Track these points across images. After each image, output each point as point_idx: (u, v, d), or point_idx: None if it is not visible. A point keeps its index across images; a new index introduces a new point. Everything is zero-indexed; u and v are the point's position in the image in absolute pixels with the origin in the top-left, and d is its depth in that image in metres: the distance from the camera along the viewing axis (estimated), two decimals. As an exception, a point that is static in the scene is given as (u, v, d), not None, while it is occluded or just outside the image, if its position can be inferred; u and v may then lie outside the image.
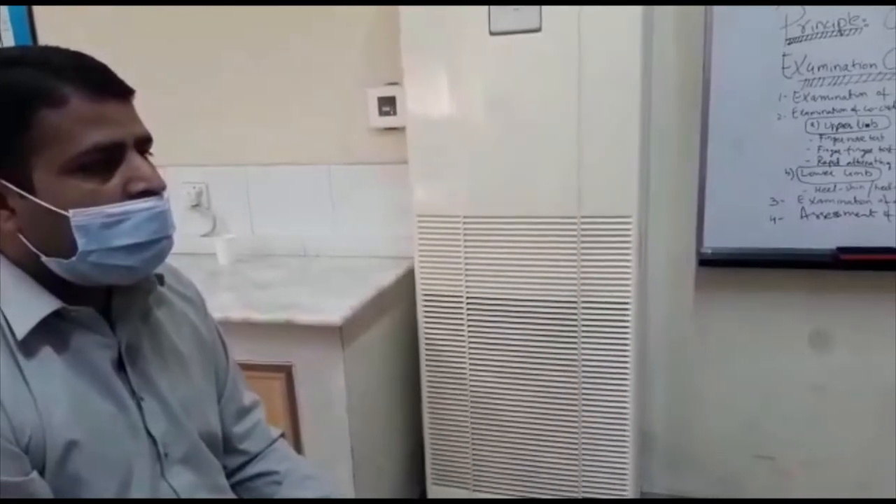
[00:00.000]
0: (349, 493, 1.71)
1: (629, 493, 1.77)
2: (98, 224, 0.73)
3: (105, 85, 0.75)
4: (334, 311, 1.63)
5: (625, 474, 1.76)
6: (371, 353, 1.84)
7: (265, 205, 2.27)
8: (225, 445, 1.03)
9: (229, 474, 1.07)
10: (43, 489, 0.71)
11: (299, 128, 2.16)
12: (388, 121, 2.04)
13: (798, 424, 2.02)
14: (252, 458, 1.08)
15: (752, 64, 1.76)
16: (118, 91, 0.76)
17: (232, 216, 2.31)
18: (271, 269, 2.10)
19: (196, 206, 2.31)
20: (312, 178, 2.20)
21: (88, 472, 0.75)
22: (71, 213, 0.72)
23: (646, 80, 1.69)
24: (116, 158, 0.75)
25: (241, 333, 1.67)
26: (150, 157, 0.80)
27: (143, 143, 0.78)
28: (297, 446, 1.73)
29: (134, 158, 0.76)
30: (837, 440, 2.01)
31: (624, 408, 1.73)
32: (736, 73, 1.78)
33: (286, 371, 1.70)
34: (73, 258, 0.73)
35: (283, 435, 1.16)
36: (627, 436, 1.74)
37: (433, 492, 1.93)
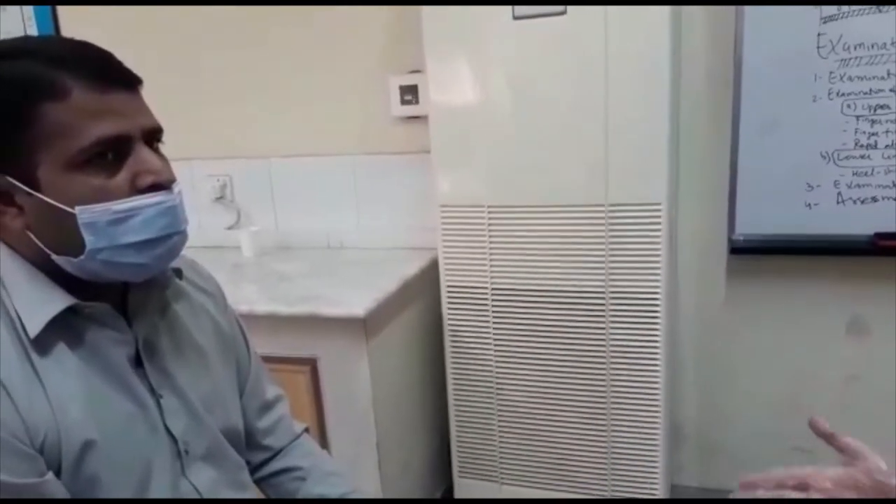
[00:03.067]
0: (374, 488, 1.70)
1: (660, 487, 1.74)
2: (106, 221, 0.71)
3: (109, 74, 0.72)
4: (358, 303, 1.61)
5: (655, 467, 1.73)
6: (396, 345, 1.82)
7: (289, 197, 2.26)
8: (248, 441, 1.02)
9: (253, 470, 1.06)
10: (59, 490, 0.70)
11: (321, 118, 2.15)
12: (411, 109, 2.01)
13: (834, 415, 1.96)
14: (276, 454, 1.07)
15: (786, 43, 1.70)
16: (123, 80, 0.73)
17: (256, 208, 2.30)
18: (295, 261, 2.09)
19: (220, 198, 2.31)
20: (335, 170, 2.18)
21: (105, 472, 0.74)
22: (77, 210, 0.70)
23: (675, 62, 1.64)
24: (123, 152, 0.72)
25: (265, 326, 1.67)
26: (161, 150, 0.78)
27: (152, 135, 0.76)
28: (323, 440, 1.72)
29: (142, 151, 0.73)
30: (875, 430, 1.94)
31: (654, 399, 1.70)
32: (769, 54, 1.72)
33: (311, 364, 1.69)
34: (83, 256, 0.71)
35: (307, 430, 1.14)
36: (658, 428, 1.71)
37: (459, 485, 1.92)
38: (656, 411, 1.70)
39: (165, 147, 0.79)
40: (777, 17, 1.69)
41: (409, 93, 2.00)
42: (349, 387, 1.68)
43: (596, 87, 1.57)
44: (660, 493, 1.74)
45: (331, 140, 2.15)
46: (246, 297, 1.70)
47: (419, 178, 1.96)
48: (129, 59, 0.75)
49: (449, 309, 1.82)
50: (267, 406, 1.07)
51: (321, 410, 1.72)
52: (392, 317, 1.78)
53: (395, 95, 2.02)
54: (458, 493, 1.93)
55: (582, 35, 1.56)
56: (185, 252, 0.99)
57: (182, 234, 0.77)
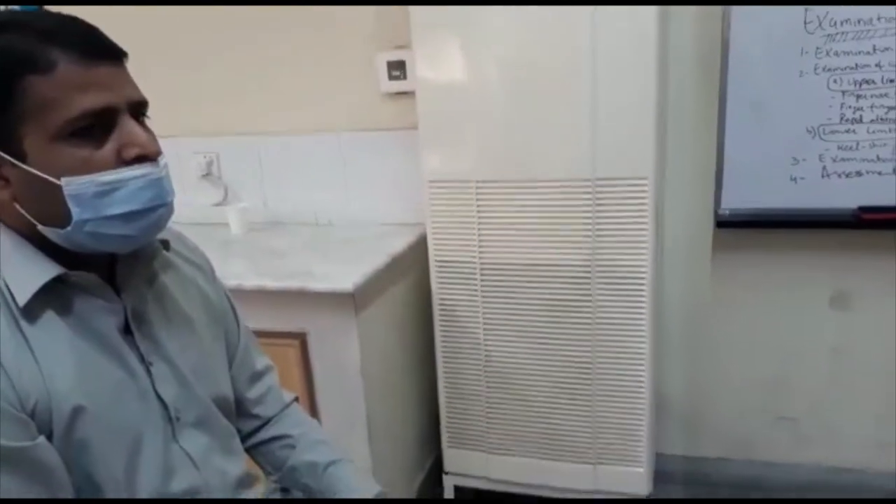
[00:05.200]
0: (364, 459, 1.73)
1: (644, 456, 1.77)
2: (91, 193, 0.71)
3: (94, 48, 0.73)
4: (347, 278, 1.62)
5: (640, 437, 1.76)
6: (385, 320, 1.84)
7: (276, 174, 2.26)
8: (239, 410, 1.04)
9: (244, 438, 1.08)
10: (51, 454, 0.72)
11: (309, 95, 2.13)
12: (399, 85, 2.01)
13: (818, 387, 2.01)
14: (266, 423, 1.09)
15: (774, 19, 1.70)
16: (109, 54, 0.74)
17: (243, 185, 2.30)
18: (284, 237, 2.09)
19: (207, 175, 2.30)
20: (323, 146, 2.17)
21: (96, 437, 0.75)
22: (63, 181, 0.71)
23: (663, 37, 1.65)
24: (109, 124, 0.73)
25: (254, 301, 1.68)
26: (147, 123, 0.78)
27: (138, 108, 0.77)
28: (313, 413, 1.74)
29: (127, 123, 0.74)
30: (858, 401, 1.99)
31: (639, 371, 1.72)
32: (756, 29, 1.72)
33: (300, 338, 1.71)
34: (69, 228, 0.72)
35: (296, 399, 1.16)
36: (643, 399, 1.74)
37: (448, 455, 1.95)
38: (641, 383, 1.73)
39: (151, 125, 0.79)
40: (764, -8, 1.69)
41: (397, 68, 1.99)
42: (339, 360, 1.70)
43: (584, 63, 1.57)
44: (644, 463, 1.78)
45: (319, 116, 2.15)
46: (235, 273, 1.71)
47: (408, 154, 1.96)
48: (114, 36, 0.75)
49: (438, 283, 1.83)
50: (256, 376, 1.08)
51: (311, 384, 1.74)
52: (381, 291, 1.79)
53: (383, 71, 2.01)
54: (447, 463, 1.96)
55: (570, 11, 1.55)
56: (172, 227, 1.00)
57: (168, 207, 0.78)
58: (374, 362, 1.75)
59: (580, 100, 1.60)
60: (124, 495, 0.79)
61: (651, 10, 1.53)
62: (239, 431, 1.09)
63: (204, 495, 0.87)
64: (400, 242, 1.89)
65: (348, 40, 2.04)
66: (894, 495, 1.98)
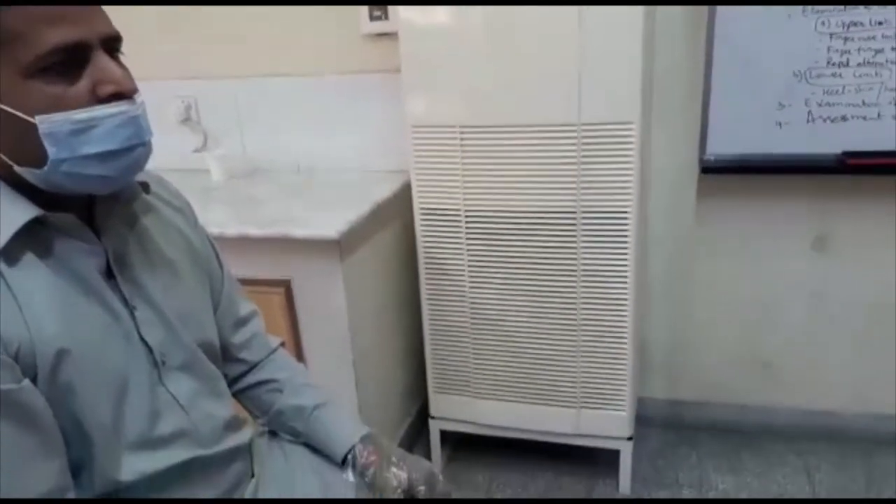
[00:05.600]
0: (352, 405, 1.75)
1: (627, 400, 1.81)
2: (66, 131, 0.69)
3: None
4: (331, 225, 1.60)
5: (622, 381, 1.79)
6: (370, 267, 1.83)
7: (255, 119, 2.21)
8: (224, 355, 1.04)
9: (230, 383, 1.09)
10: (36, 398, 0.71)
11: (288, 37, 2.07)
12: (381, 26, 1.95)
13: (797, 331, 2.04)
14: (252, 367, 1.09)
15: (763, -42, 1.67)
16: None
17: (223, 131, 2.25)
18: (266, 184, 2.06)
19: (186, 120, 2.24)
20: (302, 90, 2.12)
21: (82, 381, 0.75)
22: (37, 119, 0.68)
23: (651, -24, 1.61)
24: (81, 60, 0.70)
25: (238, 249, 1.66)
26: (121, 59, 0.76)
27: (112, 43, 0.74)
28: (300, 359, 1.74)
29: (101, 59, 0.71)
30: (835, 347, 2.03)
31: (623, 316, 1.74)
32: (745, -31, 1.69)
33: (285, 286, 1.70)
34: (46, 168, 0.70)
35: (283, 344, 1.17)
36: (625, 344, 1.76)
37: (434, 400, 1.97)
38: (624, 328, 1.75)
39: (128, 64, 0.76)
40: (755, -71, 1.65)
41: (379, 8, 1.94)
42: (325, 308, 1.70)
43: (570, 6, 1.53)
44: (626, 407, 1.81)
45: (298, 59, 2.09)
46: (217, 220, 1.68)
47: (391, 98, 1.92)
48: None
49: (423, 230, 1.82)
50: (241, 322, 1.08)
51: (296, 331, 1.74)
52: (366, 239, 1.78)
53: (364, 11, 1.96)
54: (433, 408, 1.99)
55: (556, -53, 1.51)
56: (152, 172, 0.97)
57: (146, 146, 0.76)
58: (359, 309, 1.75)
59: (567, 43, 1.56)
60: (111, 440, 0.79)
61: (640, -52, 1.49)
62: (225, 377, 1.10)
63: (192, 438, 0.88)
64: (384, 189, 1.87)
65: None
66: (870, 437, 2.04)
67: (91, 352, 0.76)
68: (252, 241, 1.64)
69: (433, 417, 2.01)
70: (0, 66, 0.67)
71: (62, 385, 0.73)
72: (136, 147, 0.74)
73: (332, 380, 1.74)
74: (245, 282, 1.72)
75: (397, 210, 1.91)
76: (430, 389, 1.97)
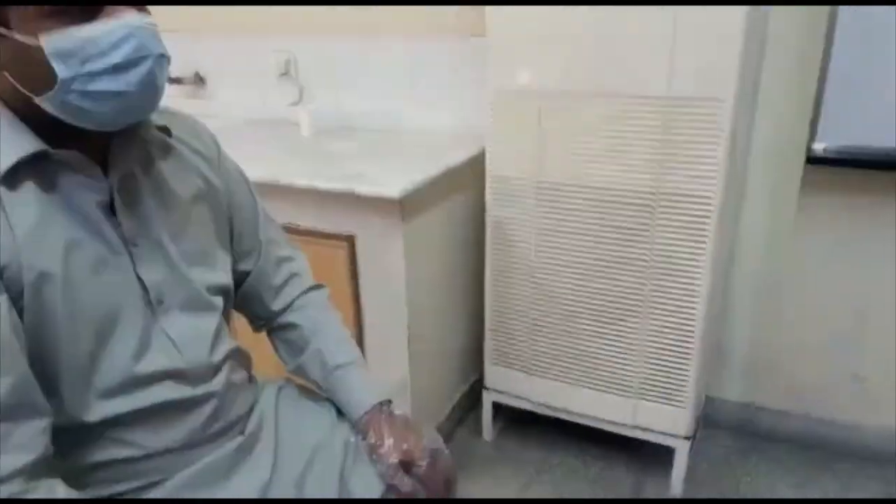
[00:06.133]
0: (402, 367, 1.75)
1: (689, 398, 1.70)
2: (72, 46, 0.70)
3: None
4: (396, 184, 1.60)
5: (686, 377, 1.68)
6: (435, 230, 1.82)
7: (350, 77, 2.24)
8: (260, 294, 1.07)
9: (264, 321, 1.11)
10: (8, 312, 0.72)
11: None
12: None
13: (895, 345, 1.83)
14: (286, 308, 1.10)
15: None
16: None
17: (319, 87, 2.30)
18: (349, 141, 2.09)
19: (284, 74, 2.31)
20: (393, 50, 2.13)
21: (64, 308, 0.76)
22: (42, 39, 0.70)
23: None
24: (94, 9, 0.72)
25: (307, 200, 1.71)
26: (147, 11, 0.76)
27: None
28: (357, 315, 1.77)
29: (118, 8, 0.73)
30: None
31: (692, 309, 1.62)
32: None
33: (350, 241, 1.72)
34: (57, 88, 0.72)
35: (321, 286, 1.16)
36: (692, 338, 1.64)
37: (490, 371, 1.94)
38: (693, 321, 1.63)
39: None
40: None
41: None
42: (384, 267, 1.71)
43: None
44: (689, 404, 1.70)
45: (392, 20, 2.09)
46: (288, 171, 1.72)
47: (477, 62, 1.87)
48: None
49: (493, 198, 1.78)
50: (281, 261, 1.09)
51: (357, 287, 1.76)
52: (433, 202, 1.76)
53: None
54: (488, 379, 1.96)
55: None
56: (188, 116, 0.99)
57: (154, 58, 0.75)
58: (419, 271, 1.74)
59: (662, 10, 1.45)
60: (85, 376, 0.78)
61: None
62: (259, 316, 1.12)
63: (186, 379, 0.88)
64: (459, 154, 1.84)
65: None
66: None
67: (78, 280, 0.78)
68: (320, 194, 1.67)
69: (487, 389, 1.98)
70: (12, 10, 0.69)
71: (43, 307, 0.75)
72: (147, 58, 0.74)
73: (385, 339, 1.76)
74: (311, 233, 1.76)
75: (470, 178, 1.87)
76: (487, 360, 1.94)
